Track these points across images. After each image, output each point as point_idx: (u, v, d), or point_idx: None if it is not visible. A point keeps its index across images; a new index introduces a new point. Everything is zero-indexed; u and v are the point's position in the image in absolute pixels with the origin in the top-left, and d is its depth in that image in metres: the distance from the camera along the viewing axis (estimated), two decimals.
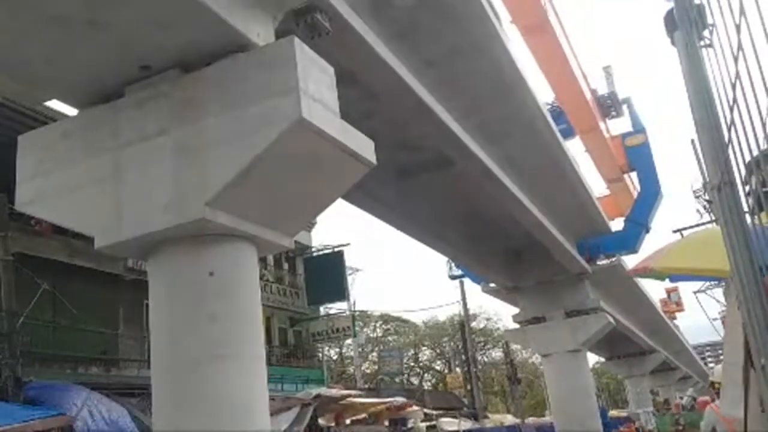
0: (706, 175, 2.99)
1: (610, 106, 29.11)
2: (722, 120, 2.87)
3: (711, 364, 69.71)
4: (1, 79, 7.60)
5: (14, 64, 7.03)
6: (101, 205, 7.18)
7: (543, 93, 20.17)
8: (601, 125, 26.74)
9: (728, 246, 2.96)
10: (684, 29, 3.01)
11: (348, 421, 20.47)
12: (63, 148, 7.67)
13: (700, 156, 3.09)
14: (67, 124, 8.18)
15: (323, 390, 19.82)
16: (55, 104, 9.73)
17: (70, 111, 8.45)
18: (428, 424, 24.98)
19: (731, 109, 2.72)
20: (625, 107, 29.56)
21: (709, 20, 2.96)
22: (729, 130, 2.81)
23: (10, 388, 11.62)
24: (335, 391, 20.78)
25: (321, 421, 18.40)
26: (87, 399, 11.57)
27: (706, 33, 3.02)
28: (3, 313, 12.34)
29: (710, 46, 3.04)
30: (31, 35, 6.53)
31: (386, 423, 22.20)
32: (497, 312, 57.15)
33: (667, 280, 6.66)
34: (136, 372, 16.31)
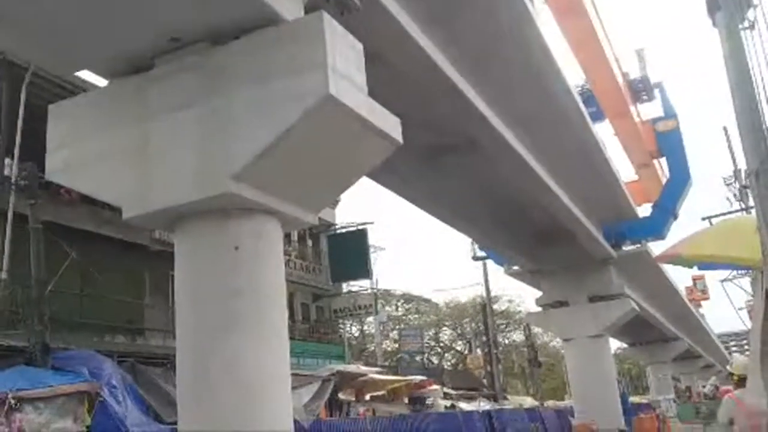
0: (746, 160, 2.90)
1: (641, 90, 28.57)
2: (764, 104, 2.78)
3: (735, 354, 68.91)
4: (34, 47, 7.65)
5: (47, 32, 7.07)
6: (129, 176, 7.24)
7: (574, 75, 19.91)
8: (632, 109, 26.32)
9: (763, 233, 2.88)
10: (727, 9, 2.90)
11: (368, 397, 20.62)
12: (92, 118, 7.73)
13: (738, 141, 3.01)
14: (96, 95, 8.25)
15: (343, 366, 19.99)
16: (85, 74, 9.79)
17: (101, 82, 8.49)
18: (447, 403, 25.06)
19: None
20: (657, 92, 29.00)
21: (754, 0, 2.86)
22: None
23: (38, 355, 11.85)
24: (355, 368, 20.94)
25: (341, 396, 18.56)
26: (112, 369, 11.77)
27: (749, 14, 2.91)
28: (32, 280, 12.56)
29: (752, 27, 2.94)
30: (65, 3, 6.55)
31: (405, 400, 22.31)
32: (519, 294, 56.94)
33: (695, 267, 6.58)
34: (161, 342, 16.56)
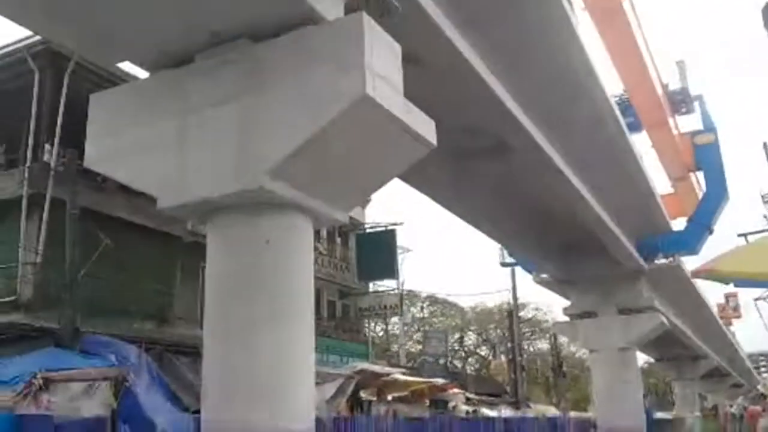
0: None
1: (680, 101, 28.04)
2: None
3: (765, 374, 67.53)
4: (78, 37, 7.81)
5: (91, 24, 7.22)
6: (165, 168, 7.35)
7: (612, 84, 19.68)
8: (670, 121, 25.86)
9: None
10: None
11: (389, 398, 20.62)
12: (132, 109, 7.87)
13: None
14: (137, 86, 8.40)
15: (367, 365, 20.03)
16: (127, 66, 9.95)
17: (142, 73, 8.64)
18: (469, 408, 24.96)
19: None
20: (696, 104, 28.45)
21: None
22: None
23: (68, 338, 12.10)
24: (378, 367, 20.97)
25: (363, 394, 18.60)
26: (139, 356, 11.97)
27: None
28: (66, 265, 12.82)
29: None
30: None
31: (427, 402, 22.27)
32: (547, 303, 56.45)
33: (731, 284, 6.46)
34: (189, 331, 16.72)
